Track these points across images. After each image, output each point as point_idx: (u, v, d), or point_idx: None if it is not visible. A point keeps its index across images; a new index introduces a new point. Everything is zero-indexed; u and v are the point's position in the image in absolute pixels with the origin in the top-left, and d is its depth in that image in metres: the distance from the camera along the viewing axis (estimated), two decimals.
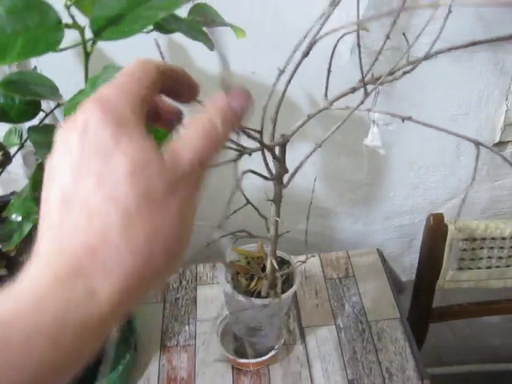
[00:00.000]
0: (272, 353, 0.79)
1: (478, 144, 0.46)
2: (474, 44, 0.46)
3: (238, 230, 0.69)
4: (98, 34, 0.51)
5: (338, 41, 0.58)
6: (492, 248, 0.92)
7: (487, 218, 1.01)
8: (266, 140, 0.57)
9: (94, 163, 0.26)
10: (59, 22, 0.48)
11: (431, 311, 0.98)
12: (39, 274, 0.24)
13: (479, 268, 0.94)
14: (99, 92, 0.27)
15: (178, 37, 0.64)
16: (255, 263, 0.78)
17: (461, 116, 0.89)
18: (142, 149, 0.26)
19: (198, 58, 0.83)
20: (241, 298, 0.72)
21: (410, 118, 0.53)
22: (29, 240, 0.74)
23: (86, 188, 0.25)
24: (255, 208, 0.67)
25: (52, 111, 0.72)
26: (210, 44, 0.61)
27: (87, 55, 0.51)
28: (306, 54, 0.55)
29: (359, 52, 0.54)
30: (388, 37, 0.60)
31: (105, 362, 0.82)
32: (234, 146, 0.52)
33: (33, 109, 0.72)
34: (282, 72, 0.56)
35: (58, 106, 0.73)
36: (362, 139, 0.89)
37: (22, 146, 0.72)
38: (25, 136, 0.79)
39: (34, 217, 0.69)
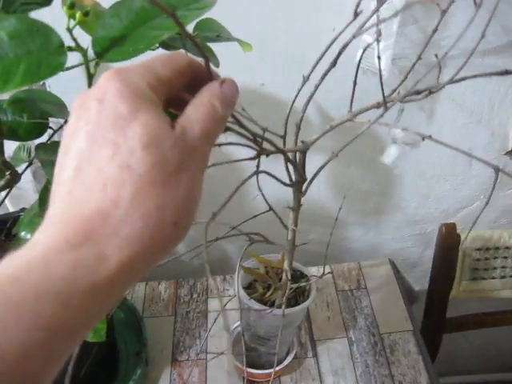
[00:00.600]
0: (282, 365, 0.79)
1: (498, 170, 0.44)
2: (508, 73, 0.45)
3: (254, 232, 0.69)
4: (101, 55, 0.50)
5: (362, 54, 0.58)
6: (506, 257, 0.90)
7: (500, 227, 0.99)
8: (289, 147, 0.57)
9: (111, 132, 0.26)
10: (62, 45, 0.48)
11: (445, 322, 0.96)
12: (50, 238, 0.25)
13: (493, 278, 0.93)
14: (123, 66, 0.28)
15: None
16: (274, 273, 0.77)
17: (472, 124, 0.88)
18: (158, 122, 0.27)
19: None
20: (252, 303, 0.71)
21: (430, 137, 0.52)
22: None
23: (102, 156, 0.26)
24: (278, 217, 0.67)
25: (60, 128, 0.72)
26: (215, 60, 0.61)
27: (90, 77, 0.51)
28: (333, 65, 0.53)
29: (379, 65, 0.53)
30: (420, 57, 0.59)
31: (117, 376, 0.82)
32: (254, 146, 0.52)
33: (41, 126, 0.72)
34: (306, 79, 0.56)
35: (66, 123, 0.73)
36: (371, 149, 0.88)
37: (30, 163, 0.72)
38: (33, 152, 0.80)
39: None
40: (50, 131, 0.72)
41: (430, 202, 0.96)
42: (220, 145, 0.49)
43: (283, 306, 0.70)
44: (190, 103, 0.31)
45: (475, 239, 0.89)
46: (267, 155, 0.54)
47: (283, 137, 0.58)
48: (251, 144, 0.51)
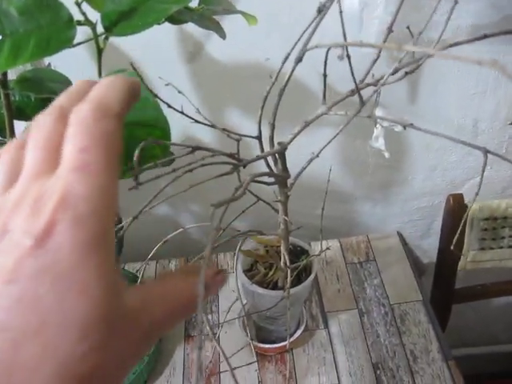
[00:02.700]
0: (293, 338, 0.80)
1: (486, 152, 0.44)
2: (485, 37, 0.45)
3: (248, 230, 0.69)
4: (110, 29, 0.51)
5: (328, 50, 0.57)
6: None
7: (508, 197, 1.00)
8: (266, 145, 0.57)
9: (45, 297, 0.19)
10: (71, 19, 0.48)
11: (454, 292, 0.97)
12: None
13: (501, 247, 0.93)
14: (68, 183, 0.21)
15: (188, 25, 0.63)
16: (274, 252, 0.78)
17: (478, 95, 0.87)
18: (110, 295, 0.21)
19: (209, 47, 0.83)
20: (255, 288, 0.72)
21: (411, 125, 0.51)
22: None
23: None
24: (267, 203, 0.67)
25: None
26: (222, 33, 0.61)
27: (100, 51, 0.51)
28: (298, 60, 0.53)
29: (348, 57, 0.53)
30: (391, 30, 0.59)
31: None
32: (230, 160, 0.52)
33: (48, 105, 0.73)
34: (274, 81, 0.55)
35: None
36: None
37: None
38: None
39: None
40: None
41: (437, 173, 0.96)
42: (192, 169, 0.50)
43: (287, 288, 0.70)
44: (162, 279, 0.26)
45: (483, 209, 0.89)
46: (244, 166, 0.54)
47: (258, 137, 0.57)
48: (228, 159, 0.52)
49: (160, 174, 0.45)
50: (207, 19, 0.60)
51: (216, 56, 0.83)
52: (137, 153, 0.41)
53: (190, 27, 0.79)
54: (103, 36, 0.51)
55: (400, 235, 0.98)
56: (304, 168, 0.59)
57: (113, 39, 0.52)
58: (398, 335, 0.82)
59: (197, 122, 0.54)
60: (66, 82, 0.74)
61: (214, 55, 0.83)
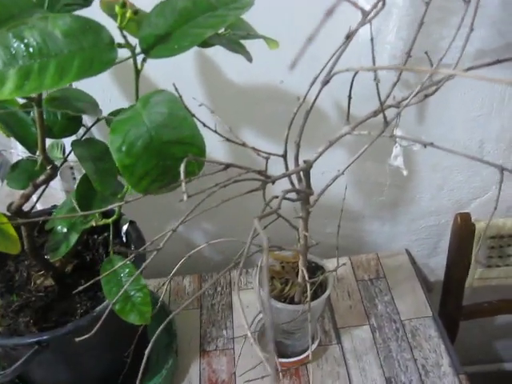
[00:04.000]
0: (306, 353, 0.81)
1: (502, 170, 0.47)
2: (498, 62, 0.48)
3: (271, 245, 0.72)
4: (147, 51, 0.53)
5: (355, 74, 0.60)
6: None
7: None
8: (291, 163, 0.60)
9: None
10: (112, 41, 0.51)
11: (461, 309, 0.99)
12: None
13: (507, 265, 0.96)
14: None
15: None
16: (290, 268, 0.80)
17: (483, 117, 0.91)
18: None
19: (226, 69, 0.86)
20: (274, 303, 0.74)
21: (431, 144, 0.54)
22: (74, 251, 0.76)
23: None
24: (286, 220, 0.70)
25: (93, 125, 0.75)
26: (248, 56, 0.64)
27: (137, 72, 0.54)
28: (325, 83, 0.56)
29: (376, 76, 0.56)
30: (409, 55, 0.62)
31: (148, 367, 0.84)
32: (258, 176, 0.55)
33: (74, 124, 0.75)
34: (302, 103, 0.58)
35: (98, 120, 0.76)
36: (388, 143, 0.91)
37: (65, 160, 0.75)
38: (67, 149, 0.83)
39: (79, 227, 0.72)
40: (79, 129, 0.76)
41: (444, 193, 0.99)
42: (226, 185, 0.53)
43: (308, 301, 0.72)
44: None
45: (489, 228, 0.92)
46: (273, 183, 0.57)
47: (284, 156, 0.60)
48: (256, 176, 0.54)
49: (204, 189, 0.47)
50: (235, 43, 0.63)
51: (232, 78, 0.86)
52: (183, 168, 0.44)
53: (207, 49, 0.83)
54: (141, 58, 0.54)
55: (408, 253, 1.00)
56: (328, 185, 0.62)
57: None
58: (409, 350, 0.84)
59: (228, 140, 0.56)
60: (92, 102, 0.76)
61: (230, 77, 0.86)
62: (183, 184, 0.44)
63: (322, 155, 0.84)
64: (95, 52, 0.50)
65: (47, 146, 0.81)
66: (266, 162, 0.58)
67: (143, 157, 0.49)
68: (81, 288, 0.63)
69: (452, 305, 0.99)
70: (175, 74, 0.87)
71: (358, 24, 0.54)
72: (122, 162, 0.49)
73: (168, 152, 0.50)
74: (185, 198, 0.44)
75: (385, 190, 0.99)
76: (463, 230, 0.92)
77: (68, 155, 0.75)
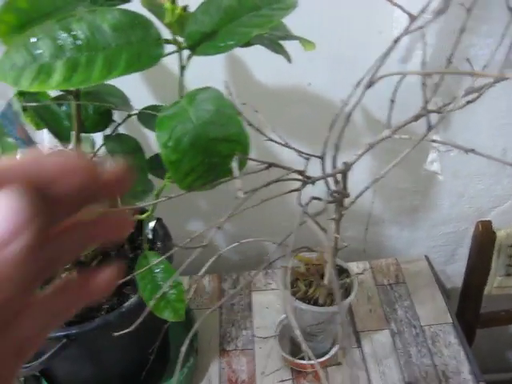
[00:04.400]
0: (329, 355, 0.81)
1: None
2: None
3: (301, 246, 0.72)
4: (193, 48, 0.53)
5: (403, 78, 0.60)
6: None
7: None
8: (328, 164, 0.60)
9: None
10: (159, 37, 0.51)
11: (479, 317, 1.00)
12: None
13: None
14: None
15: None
16: (314, 270, 0.80)
17: (508, 125, 0.91)
18: None
19: (254, 70, 0.86)
20: (299, 304, 0.74)
21: (472, 151, 0.54)
22: (100, 246, 0.76)
23: None
24: (316, 222, 0.70)
25: (124, 121, 0.75)
26: (287, 56, 0.64)
27: (182, 69, 0.54)
28: (369, 86, 0.56)
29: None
30: (450, 61, 0.62)
31: (168, 365, 0.84)
32: (299, 177, 0.55)
33: (106, 119, 0.75)
34: (345, 104, 0.58)
35: (129, 116, 0.76)
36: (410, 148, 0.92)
37: (95, 155, 0.75)
38: (97, 144, 0.83)
39: None
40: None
41: (464, 200, 0.99)
42: (269, 184, 0.53)
43: (339, 303, 0.73)
44: None
45: (510, 236, 0.92)
46: (313, 183, 0.58)
47: (321, 157, 0.61)
48: (297, 176, 0.55)
49: (257, 187, 0.47)
50: (275, 43, 0.63)
51: (260, 79, 0.86)
52: (236, 165, 0.44)
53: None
54: (186, 54, 0.54)
55: (427, 259, 1.00)
56: (367, 187, 0.62)
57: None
58: (429, 356, 0.84)
59: (271, 140, 0.57)
60: (123, 98, 0.77)
61: (258, 79, 0.87)
62: (238, 181, 0.44)
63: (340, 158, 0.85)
64: (143, 47, 0.51)
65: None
66: (307, 164, 0.58)
67: (189, 153, 0.49)
68: (119, 282, 0.63)
69: (470, 312, 0.99)
70: (204, 73, 0.88)
71: (405, 29, 0.54)
72: (168, 157, 0.49)
73: (214, 149, 0.50)
74: (240, 194, 0.44)
75: (405, 196, 0.99)
76: (484, 238, 0.92)
77: (98, 150, 0.75)
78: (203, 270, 0.70)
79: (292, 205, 0.59)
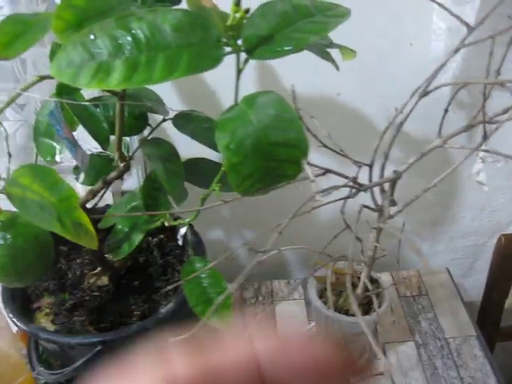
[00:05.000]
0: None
1: None
2: None
3: (340, 255, 0.72)
4: (250, 52, 0.53)
5: (461, 87, 0.61)
6: None
7: None
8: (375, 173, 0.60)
9: None
10: (219, 39, 0.51)
11: (499, 330, 1.00)
12: None
13: None
14: None
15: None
16: (344, 280, 0.80)
17: None
18: None
19: (284, 81, 0.86)
20: (332, 314, 0.74)
21: None
22: (137, 251, 0.75)
23: None
24: (351, 230, 0.70)
25: (159, 125, 0.75)
26: (335, 64, 0.65)
27: (239, 72, 0.54)
28: (423, 95, 0.56)
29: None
30: (499, 73, 0.63)
31: None
32: (351, 183, 0.55)
33: (141, 122, 0.75)
34: (399, 112, 0.58)
35: (164, 120, 0.76)
36: (438, 161, 0.92)
37: (131, 158, 0.74)
38: (131, 147, 0.82)
39: (143, 228, 0.71)
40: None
41: (485, 214, 1.00)
42: (325, 190, 0.53)
43: (376, 312, 0.72)
44: None
45: None
46: (365, 190, 0.58)
47: (370, 165, 0.61)
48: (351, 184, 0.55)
49: (317, 191, 0.47)
50: (323, 51, 0.63)
51: (289, 89, 0.86)
52: (310, 172, 0.43)
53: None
54: (243, 58, 0.54)
55: (448, 271, 1.00)
56: (418, 197, 0.62)
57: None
58: (455, 368, 0.84)
59: (325, 146, 0.56)
60: (160, 102, 0.76)
61: (287, 88, 0.86)
62: (314, 184, 0.44)
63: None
64: (203, 48, 0.50)
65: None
66: (358, 171, 0.58)
67: (250, 157, 0.49)
68: (168, 288, 0.62)
69: (490, 325, 1.00)
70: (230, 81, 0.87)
71: (461, 40, 0.54)
72: (230, 160, 0.48)
73: (273, 153, 0.50)
74: (319, 197, 0.44)
75: (427, 208, 0.99)
76: (506, 251, 0.92)
77: (134, 153, 0.74)
78: (241, 277, 0.70)
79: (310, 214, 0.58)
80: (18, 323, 0.66)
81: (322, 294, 0.79)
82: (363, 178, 0.59)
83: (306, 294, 0.96)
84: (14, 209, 0.51)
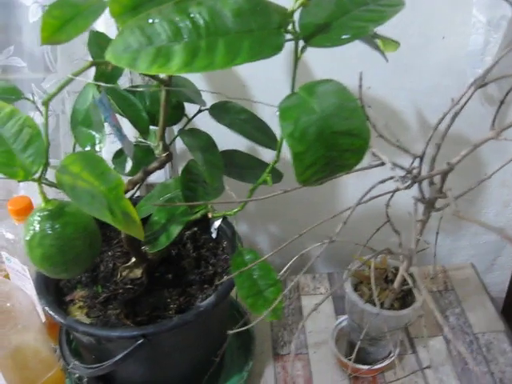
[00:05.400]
0: (389, 360, 0.80)
1: None
2: None
3: (383, 249, 0.71)
4: (308, 40, 0.52)
5: None
6: None
7: None
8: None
9: None
10: (280, 26, 0.50)
11: None
12: None
13: None
14: None
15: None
16: (378, 274, 0.79)
17: None
18: None
19: (314, 71, 0.85)
20: (369, 308, 0.73)
21: None
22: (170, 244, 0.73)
23: None
24: (391, 223, 0.70)
25: (196, 115, 0.74)
26: (384, 55, 0.64)
27: (297, 60, 0.53)
28: (479, 86, 0.55)
29: None
30: None
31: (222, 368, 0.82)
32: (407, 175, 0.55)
33: (178, 113, 0.74)
34: (455, 103, 0.57)
35: (200, 111, 0.74)
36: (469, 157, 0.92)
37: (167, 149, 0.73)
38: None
39: (181, 219, 0.69)
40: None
41: (509, 209, 1.00)
42: (384, 181, 0.52)
43: (420, 304, 0.72)
44: None
45: None
46: (420, 182, 0.57)
47: (421, 157, 0.60)
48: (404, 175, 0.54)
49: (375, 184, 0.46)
50: (372, 42, 0.62)
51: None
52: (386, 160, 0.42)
53: None
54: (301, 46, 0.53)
55: (474, 266, 1.00)
56: (471, 188, 0.61)
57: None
58: (485, 363, 0.84)
59: (381, 136, 0.55)
60: (196, 91, 0.75)
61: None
62: (398, 172, 0.43)
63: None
64: (264, 35, 0.49)
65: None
66: (412, 162, 0.57)
67: (314, 145, 0.48)
68: (221, 281, 0.60)
69: None
70: (259, 72, 0.87)
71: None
72: (294, 148, 0.47)
73: (336, 142, 0.49)
74: (401, 186, 0.43)
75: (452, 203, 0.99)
76: None
77: (171, 143, 0.73)
78: (284, 270, 0.69)
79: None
80: (56, 316, 0.65)
81: (356, 288, 0.78)
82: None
83: (334, 288, 0.96)
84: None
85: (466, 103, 0.56)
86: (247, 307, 0.59)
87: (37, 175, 0.51)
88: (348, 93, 0.50)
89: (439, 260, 1.06)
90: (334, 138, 0.49)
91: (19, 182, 0.52)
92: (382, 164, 0.52)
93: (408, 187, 0.55)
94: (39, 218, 0.52)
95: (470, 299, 0.94)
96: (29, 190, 0.88)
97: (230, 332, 0.61)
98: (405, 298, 0.78)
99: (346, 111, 0.49)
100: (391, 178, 0.53)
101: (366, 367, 0.80)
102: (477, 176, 0.98)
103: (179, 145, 0.93)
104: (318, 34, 0.53)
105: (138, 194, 0.87)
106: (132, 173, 0.69)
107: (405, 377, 0.80)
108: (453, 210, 0.45)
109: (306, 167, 0.49)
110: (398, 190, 0.56)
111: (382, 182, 0.52)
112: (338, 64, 0.82)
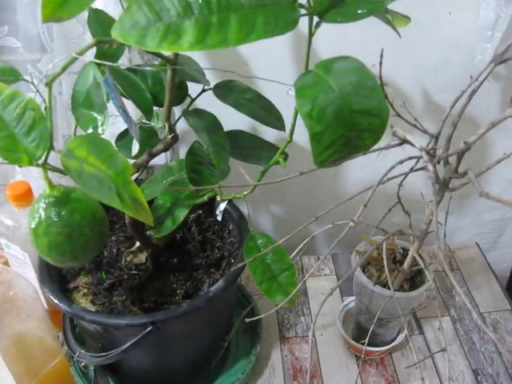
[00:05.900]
0: (397, 341, 0.80)
1: None
2: None
3: (396, 230, 0.70)
4: (322, 15, 0.50)
5: None
6: None
7: None
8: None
9: None
10: (294, 0, 0.48)
11: None
12: None
13: None
14: None
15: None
16: (387, 255, 0.78)
17: None
18: None
19: (320, 48, 0.83)
20: (378, 289, 0.72)
21: None
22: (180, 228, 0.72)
23: None
24: (401, 204, 0.69)
25: (199, 95, 0.71)
26: (397, 31, 0.62)
27: (311, 36, 0.51)
28: (498, 63, 0.53)
29: None
30: None
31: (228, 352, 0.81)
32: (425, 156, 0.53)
33: (181, 93, 0.71)
34: (474, 81, 0.56)
35: (204, 91, 0.72)
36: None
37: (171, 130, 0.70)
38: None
39: (187, 202, 0.68)
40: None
41: None
42: (403, 161, 0.51)
43: (430, 285, 0.71)
44: None
45: None
46: (438, 162, 0.55)
47: (436, 136, 0.59)
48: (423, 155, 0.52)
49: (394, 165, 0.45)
50: (385, 17, 0.60)
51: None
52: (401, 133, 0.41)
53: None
54: (315, 21, 0.51)
55: (478, 246, 0.99)
56: (489, 168, 0.60)
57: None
58: (492, 343, 0.83)
59: (399, 115, 0.54)
60: (200, 70, 0.72)
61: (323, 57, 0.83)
62: (423, 153, 0.41)
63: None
64: (278, 10, 0.47)
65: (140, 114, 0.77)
66: (430, 141, 0.56)
67: (332, 125, 0.46)
68: (237, 266, 0.59)
69: None
70: (265, 50, 0.84)
71: None
72: (313, 128, 0.46)
73: (354, 122, 0.47)
74: (431, 168, 0.42)
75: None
76: None
77: (175, 124, 0.71)
78: (296, 251, 0.67)
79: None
80: (61, 305, 0.63)
81: (364, 270, 0.77)
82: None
83: (338, 268, 0.95)
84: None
85: (484, 80, 0.54)
86: (262, 293, 0.57)
87: (41, 160, 0.49)
88: (367, 70, 0.48)
89: (440, 240, 1.05)
90: (352, 118, 0.47)
91: (20, 167, 0.49)
92: (401, 144, 0.51)
93: (426, 168, 0.54)
94: (44, 205, 0.50)
95: (475, 279, 0.93)
96: (26, 175, 0.86)
97: (248, 320, 0.59)
98: (413, 279, 0.77)
99: (365, 89, 0.47)
100: (410, 158, 0.52)
101: (377, 349, 0.79)
102: (482, 155, 0.97)
103: (180, 126, 0.91)
104: (332, 8, 0.51)
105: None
106: (136, 156, 0.67)
107: (419, 362, 0.79)
108: (480, 191, 0.43)
109: (324, 148, 0.47)
110: (420, 169, 0.55)
111: (401, 162, 0.50)
112: (342, 40, 0.80)
